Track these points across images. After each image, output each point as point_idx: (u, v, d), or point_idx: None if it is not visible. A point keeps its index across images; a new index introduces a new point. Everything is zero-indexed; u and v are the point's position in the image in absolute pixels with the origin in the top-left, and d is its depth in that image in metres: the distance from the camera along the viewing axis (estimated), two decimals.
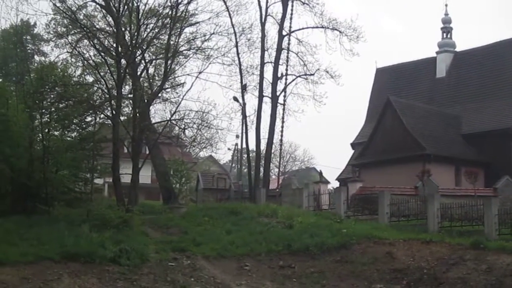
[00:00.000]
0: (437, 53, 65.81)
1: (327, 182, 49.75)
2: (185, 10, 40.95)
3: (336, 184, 60.01)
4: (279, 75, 51.30)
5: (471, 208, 32.36)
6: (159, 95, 41.83)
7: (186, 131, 42.27)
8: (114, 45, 38.46)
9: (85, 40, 40.06)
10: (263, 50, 50.80)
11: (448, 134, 55.95)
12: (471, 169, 46.76)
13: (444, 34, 66.96)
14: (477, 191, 40.28)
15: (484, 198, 33.06)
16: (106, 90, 38.58)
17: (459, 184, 50.14)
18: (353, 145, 65.92)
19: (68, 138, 40.86)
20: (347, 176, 57.64)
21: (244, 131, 52.78)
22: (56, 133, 39.71)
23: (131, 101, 41.16)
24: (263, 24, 50.83)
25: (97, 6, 40.13)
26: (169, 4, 39.52)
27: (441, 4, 68.53)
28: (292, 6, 51.82)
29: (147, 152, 45.11)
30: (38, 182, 35.13)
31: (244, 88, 50.93)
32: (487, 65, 59.54)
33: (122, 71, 37.53)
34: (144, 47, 39.91)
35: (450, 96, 61.23)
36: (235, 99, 50.94)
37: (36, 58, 55.44)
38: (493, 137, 53.59)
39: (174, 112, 40.73)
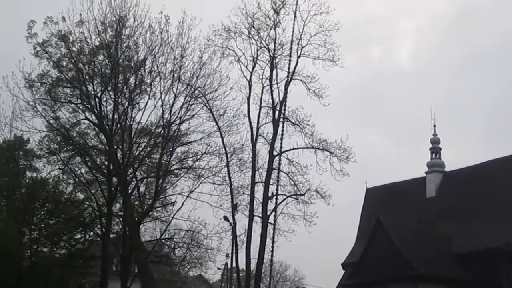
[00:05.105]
0: (427, 173, 66.29)
1: None
2: (177, 130, 41.58)
3: None
4: (269, 194, 51.09)
5: None
6: (150, 213, 41.82)
7: (176, 250, 42.10)
8: (106, 163, 38.87)
9: (77, 158, 40.57)
10: (254, 170, 50.85)
11: (439, 254, 55.60)
12: None
13: (433, 154, 67.55)
14: None
15: None
16: (96, 208, 38.73)
17: None
18: (344, 265, 65.36)
19: (57, 255, 40.53)
20: None
21: (234, 250, 52.24)
22: (45, 249, 39.49)
23: (121, 219, 41.16)
24: (254, 145, 51.02)
25: (90, 124, 40.87)
26: (162, 123, 40.24)
27: (429, 124, 68.77)
28: (283, 127, 52.28)
29: (136, 271, 44.66)
30: None
31: (234, 207, 50.72)
32: (476, 184, 59.83)
33: (113, 189, 37.76)
34: (136, 166, 40.28)
35: (440, 215, 61.24)
36: (226, 218, 50.57)
37: (28, 173, 55.50)
38: (483, 256, 53.23)
39: (164, 231, 40.79)
